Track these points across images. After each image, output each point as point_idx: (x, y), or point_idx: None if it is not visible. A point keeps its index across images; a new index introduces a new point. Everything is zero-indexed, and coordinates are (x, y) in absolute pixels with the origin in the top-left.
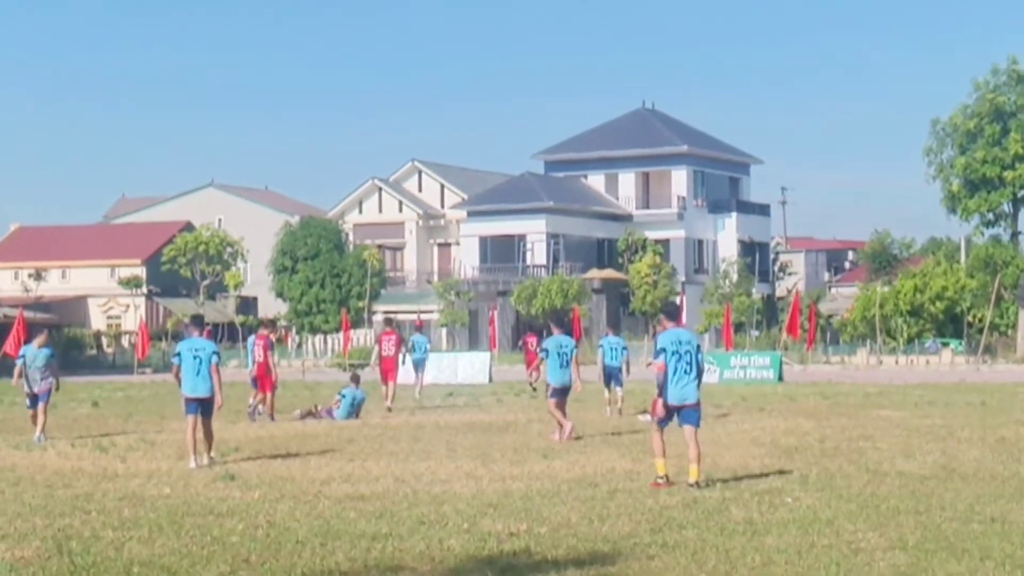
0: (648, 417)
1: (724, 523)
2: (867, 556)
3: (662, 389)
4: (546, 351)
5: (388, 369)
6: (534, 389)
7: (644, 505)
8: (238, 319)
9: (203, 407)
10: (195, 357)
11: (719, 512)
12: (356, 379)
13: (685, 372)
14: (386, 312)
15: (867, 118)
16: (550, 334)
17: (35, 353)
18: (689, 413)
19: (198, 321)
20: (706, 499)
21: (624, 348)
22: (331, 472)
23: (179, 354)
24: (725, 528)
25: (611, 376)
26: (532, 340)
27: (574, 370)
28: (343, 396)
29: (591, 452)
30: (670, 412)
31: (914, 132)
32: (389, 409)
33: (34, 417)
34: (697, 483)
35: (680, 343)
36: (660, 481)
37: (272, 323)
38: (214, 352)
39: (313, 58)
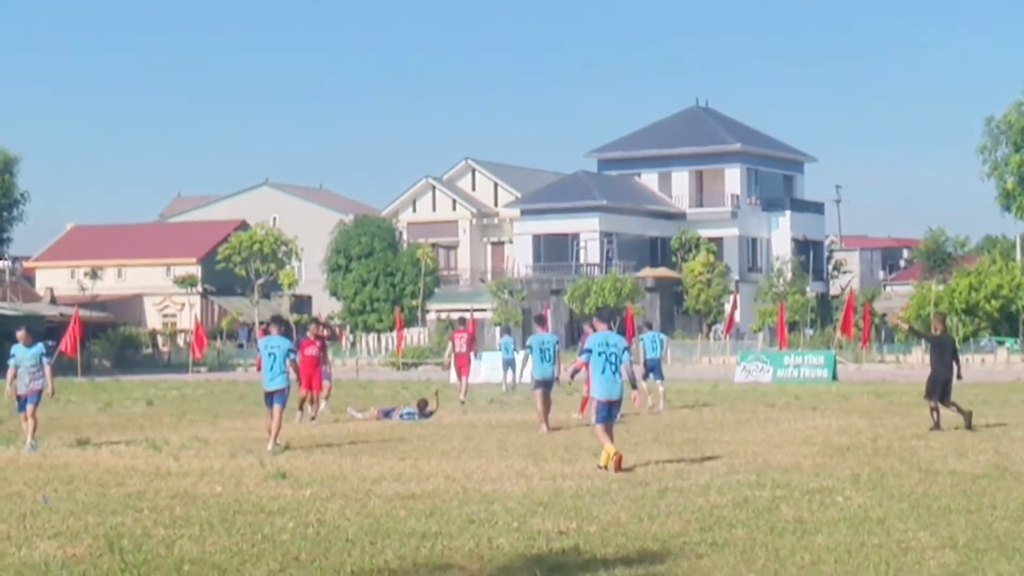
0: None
1: (774, 522)
2: (917, 555)
3: (590, 386)
4: (530, 347)
5: (461, 365)
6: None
7: (694, 504)
8: (292, 317)
9: (278, 398)
10: (271, 354)
11: (769, 511)
12: (423, 405)
13: (613, 371)
14: (439, 311)
15: (922, 116)
16: (536, 332)
17: (24, 352)
18: (616, 408)
19: (278, 321)
20: (756, 498)
21: (663, 341)
22: (382, 470)
23: (259, 350)
24: (775, 527)
25: (652, 368)
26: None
27: (557, 364)
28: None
29: (642, 451)
30: (607, 406)
31: (968, 130)
32: (462, 402)
33: (24, 422)
34: (607, 466)
35: (608, 344)
36: (614, 459)
37: (315, 322)
38: (289, 349)
39: (367, 57)
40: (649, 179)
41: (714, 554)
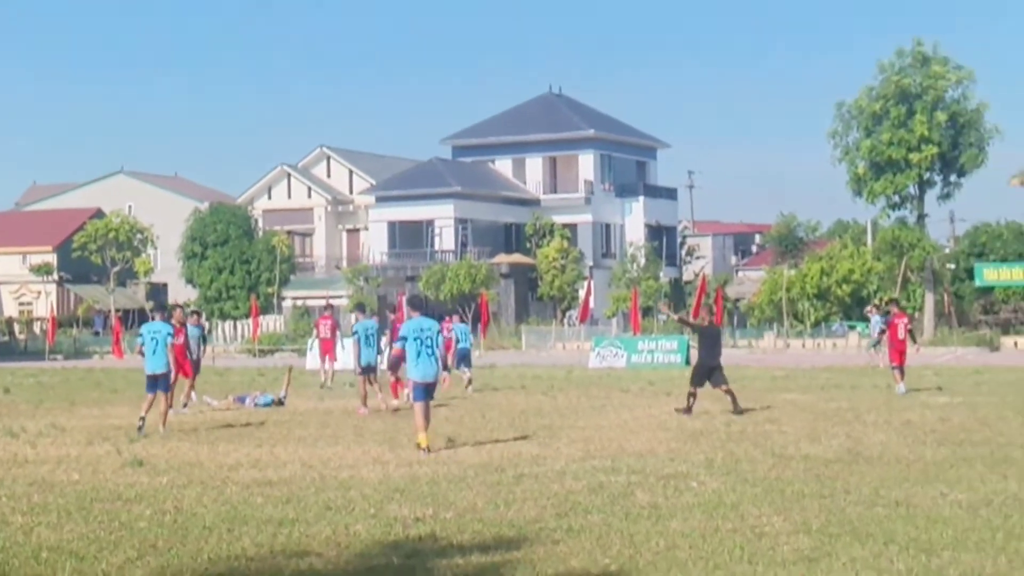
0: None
1: (629, 508)
2: (771, 540)
3: (395, 369)
4: (356, 334)
5: (326, 351)
6: (448, 371)
7: (550, 490)
8: (148, 305)
9: (161, 383)
10: (152, 339)
11: (624, 497)
12: (280, 402)
13: (428, 355)
14: (295, 298)
15: (774, 101)
16: (358, 319)
17: None
18: (432, 390)
19: (160, 307)
20: (612, 483)
21: (468, 332)
22: (239, 458)
23: (141, 336)
24: (630, 513)
25: (462, 358)
26: (447, 326)
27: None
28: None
29: (498, 437)
30: (423, 387)
31: (820, 115)
32: (323, 386)
33: None
34: (428, 448)
35: (422, 330)
36: (423, 452)
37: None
38: (168, 333)
39: (221, 44)
40: (503, 165)
41: (570, 540)
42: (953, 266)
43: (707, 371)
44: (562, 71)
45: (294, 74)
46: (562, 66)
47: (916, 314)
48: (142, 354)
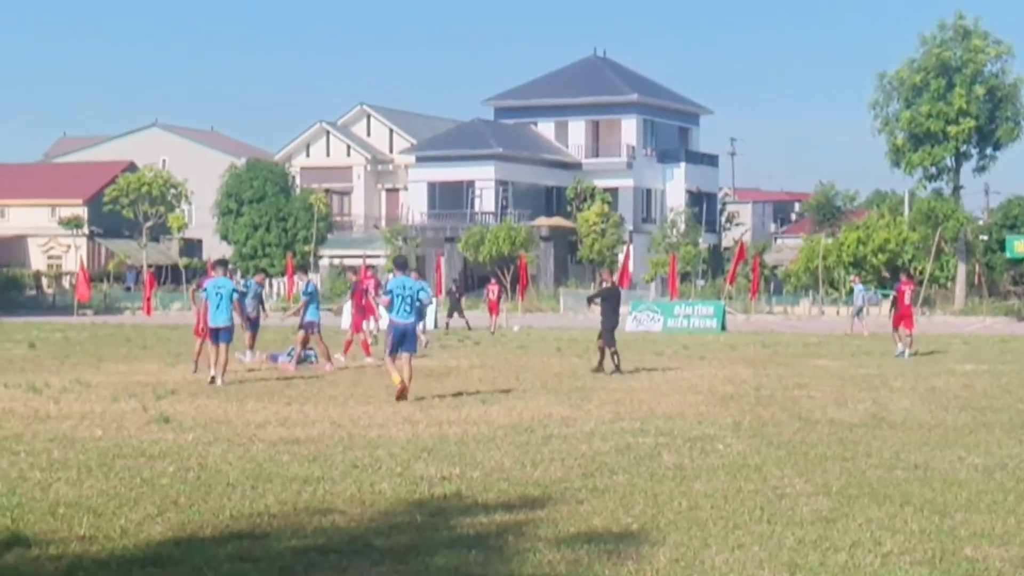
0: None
1: (655, 468)
2: (791, 501)
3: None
4: (311, 293)
5: (369, 310)
6: (492, 334)
7: (577, 451)
8: (182, 261)
9: (223, 335)
10: (217, 294)
11: (651, 458)
12: (306, 341)
13: (408, 310)
14: (332, 256)
15: (816, 70)
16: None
17: None
18: (409, 342)
19: (222, 263)
20: (639, 445)
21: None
22: (267, 415)
23: (206, 291)
24: (655, 473)
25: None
26: (494, 288)
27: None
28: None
29: (529, 398)
30: (397, 340)
31: (861, 85)
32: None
33: None
34: (402, 383)
35: (404, 287)
36: (399, 387)
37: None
38: (233, 290)
39: None
40: (546, 128)
41: (594, 499)
42: (986, 238)
43: (610, 328)
44: (606, 34)
45: (334, 30)
46: (606, 29)
47: (949, 284)
48: (199, 309)
